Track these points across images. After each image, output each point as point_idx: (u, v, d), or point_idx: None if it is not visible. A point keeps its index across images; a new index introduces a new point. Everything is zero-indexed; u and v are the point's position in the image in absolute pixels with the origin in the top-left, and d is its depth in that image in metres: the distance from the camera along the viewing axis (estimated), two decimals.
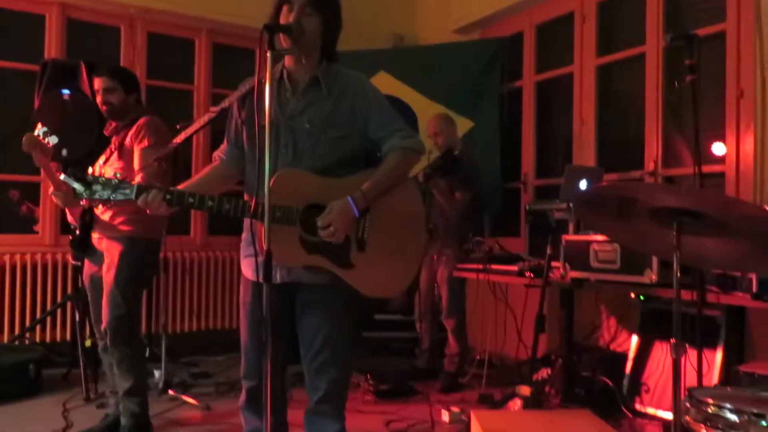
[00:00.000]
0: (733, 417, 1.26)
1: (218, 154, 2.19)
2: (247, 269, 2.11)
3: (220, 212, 1.92)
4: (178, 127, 3.38)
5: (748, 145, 3.25)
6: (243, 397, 2.13)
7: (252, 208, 1.90)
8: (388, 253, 2.06)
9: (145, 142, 2.87)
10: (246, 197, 2.10)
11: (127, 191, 1.90)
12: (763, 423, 1.23)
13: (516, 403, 3.02)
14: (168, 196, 1.90)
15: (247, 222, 2.10)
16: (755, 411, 1.25)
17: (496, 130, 4.96)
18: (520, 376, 3.85)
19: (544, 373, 3.63)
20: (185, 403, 3.60)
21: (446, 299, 4.13)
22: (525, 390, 3.01)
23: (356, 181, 2.02)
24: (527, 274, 3.45)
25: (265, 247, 1.72)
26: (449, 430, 3.20)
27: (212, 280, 5.00)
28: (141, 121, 2.93)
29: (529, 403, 2.95)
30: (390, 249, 2.07)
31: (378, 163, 2.08)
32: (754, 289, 2.43)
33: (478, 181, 4.19)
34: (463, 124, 4.79)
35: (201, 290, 4.96)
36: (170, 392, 3.73)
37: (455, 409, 3.38)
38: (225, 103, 2.14)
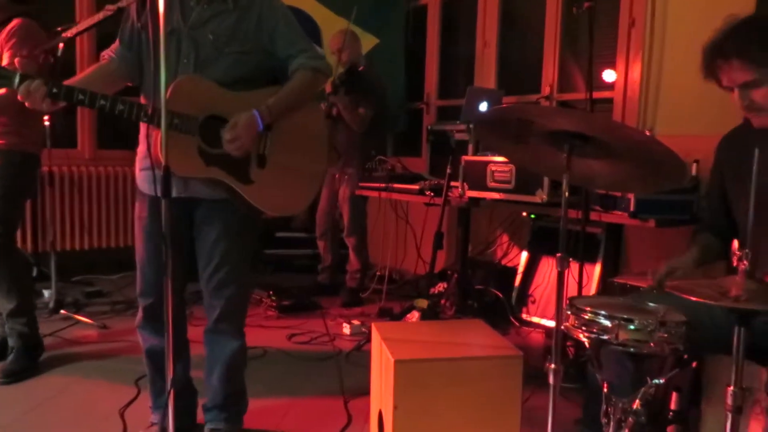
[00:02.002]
0: (606, 322, 1.39)
1: (108, 53, 2.03)
2: (143, 183, 2.03)
3: (113, 113, 1.80)
4: (59, 29, 3.10)
5: (635, 72, 3.42)
6: (140, 315, 2.09)
7: (149, 112, 1.81)
8: (288, 172, 2.05)
9: (18, 51, 2.59)
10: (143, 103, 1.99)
11: (8, 78, 1.74)
12: (631, 327, 1.37)
13: (414, 315, 3.17)
14: (54, 90, 1.75)
15: (143, 133, 2.01)
16: (625, 316, 1.38)
17: (400, 49, 4.92)
18: (418, 290, 4.04)
19: (441, 287, 3.82)
20: (79, 322, 3.50)
21: (348, 217, 4.18)
22: (422, 303, 3.16)
23: (261, 96, 1.97)
24: (427, 193, 3.54)
25: (162, 159, 1.65)
26: (350, 341, 3.33)
27: (104, 196, 4.76)
28: (13, 23, 2.64)
29: (426, 315, 3.11)
30: (290, 168, 2.05)
31: (282, 83, 2.03)
32: (632, 208, 2.63)
33: (381, 98, 4.18)
34: (368, 41, 4.70)
35: (92, 206, 4.71)
36: (62, 312, 3.61)
37: (356, 322, 3.51)
38: (123, 3, 1.99)
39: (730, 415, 1.28)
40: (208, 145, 1.91)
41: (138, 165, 2.06)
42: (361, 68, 4.07)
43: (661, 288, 1.78)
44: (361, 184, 4.02)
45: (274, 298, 3.90)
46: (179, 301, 2.07)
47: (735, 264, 1.27)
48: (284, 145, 2.04)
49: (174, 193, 1.93)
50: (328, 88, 3.98)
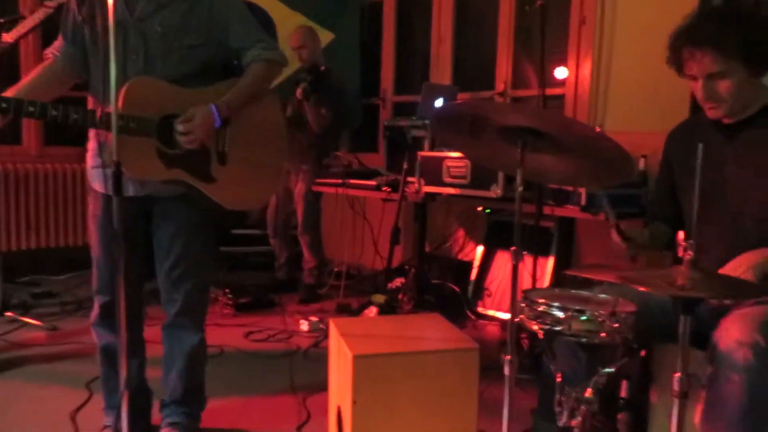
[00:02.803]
0: (560, 313, 1.43)
1: (52, 51, 1.96)
2: (95, 180, 1.98)
3: (66, 123, 1.75)
4: (1, 21, 2.99)
5: (586, 70, 3.50)
6: (96, 312, 2.05)
7: (102, 117, 1.76)
8: (249, 167, 2.04)
9: None
10: (91, 104, 1.94)
11: None
12: (583, 318, 1.41)
13: (372, 311, 3.18)
14: (4, 105, 1.69)
15: (92, 130, 1.96)
16: (577, 307, 1.42)
17: (356, 44, 4.91)
18: (375, 286, 4.04)
19: (398, 282, 3.84)
20: (27, 324, 3.39)
21: (302, 215, 4.13)
22: (380, 298, 3.17)
23: (216, 91, 1.95)
24: (384, 188, 3.56)
25: (114, 158, 1.62)
26: (308, 338, 3.32)
27: (51, 194, 4.59)
28: None
29: (384, 310, 3.12)
30: (251, 162, 2.05)
31: (236, 73, 2.01)
32: (583, 202, 2.70)
33: (342, 99, 4.15)
34: (324, 36, 4.68)
35: (39, 205, 4.54)
36: (9, 314, 3.48)
37: (314, 319, 3.50)
38: None
39: (677, 401, 1.33)
40: (166, 146, 1.87)
41: (89, 162, 2.01)
42: (322, 68, 4.04)
43: (622, 234, 1.78)
44: (317, 180, 4.01)
45: (230, 296, 3.85)
46: (136, 299, 2.03)
47: (681, 254, 1.32)
48: (244, 140, 2.03)
49: (131, 192, 1.90)
50: (299, 95, 3.91)
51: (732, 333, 1.48)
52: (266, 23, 4.54)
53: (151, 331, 2.17)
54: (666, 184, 2.00)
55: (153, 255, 2.05)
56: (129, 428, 1.69)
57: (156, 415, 2.19)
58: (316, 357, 3.03)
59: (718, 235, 1.77)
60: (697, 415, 1.60)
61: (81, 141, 2.01)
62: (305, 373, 2.80)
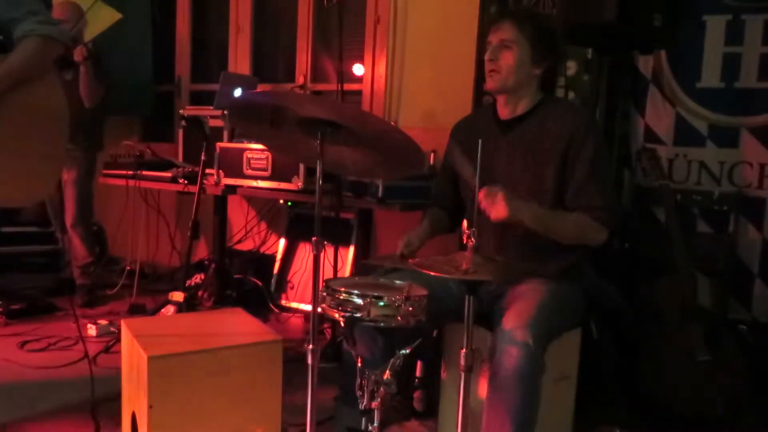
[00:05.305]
0: (359, 300, 1.48)
1: None
2: None
3: None
4: None
5: (381, 68, 3.66)
6: None
7: None
8: (18, 157, 1.81)
9: None
10: None
11: None
12: (381, 303, 1.48)
13: (169, 310, 3.01)
14: None
15: None
16: (375, 294, 1.48)
17: (147, 26, 4.59)
18: (173, 284, 3.84)
19: (198, 278, 3.70)
20: None
21: (74, 205, 3.70)
22: (178, 296, 3.02)
23: None
24: (181, 180, 3.39)
25: None
26: (97, 343, 3.05)
27: None
28: None
29: (183, 308, 2.98)
30: (21, 152, 1.81)
31: (6, 48, 1.77)
32: (380, 194, 2.83)
33: (109, 78, 3.79)
34: (109, 15, 4.30)
35: None
36: None
37: (103, 322, 3.23)
38: None
39: (463, 375, 1.46)
40: None
41: None
42: (90, 45, 3.67)
43: (405, 257, 1.95)
44: (105, 171, 3.69)
45: None
46: None
47: (465, 241, 1.44)
48: (12, 126, 1.79)
49: None
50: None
51: (514, 321, 1.66)
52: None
53: None
54: (448, 174, 2.16)
55: None
56: None
57: None
58: (107, 363, 2.79)
59: (493, 222, 1.96)
60: (481, 388, 1.77)
61: None
62: (95, 382, 2.57)
